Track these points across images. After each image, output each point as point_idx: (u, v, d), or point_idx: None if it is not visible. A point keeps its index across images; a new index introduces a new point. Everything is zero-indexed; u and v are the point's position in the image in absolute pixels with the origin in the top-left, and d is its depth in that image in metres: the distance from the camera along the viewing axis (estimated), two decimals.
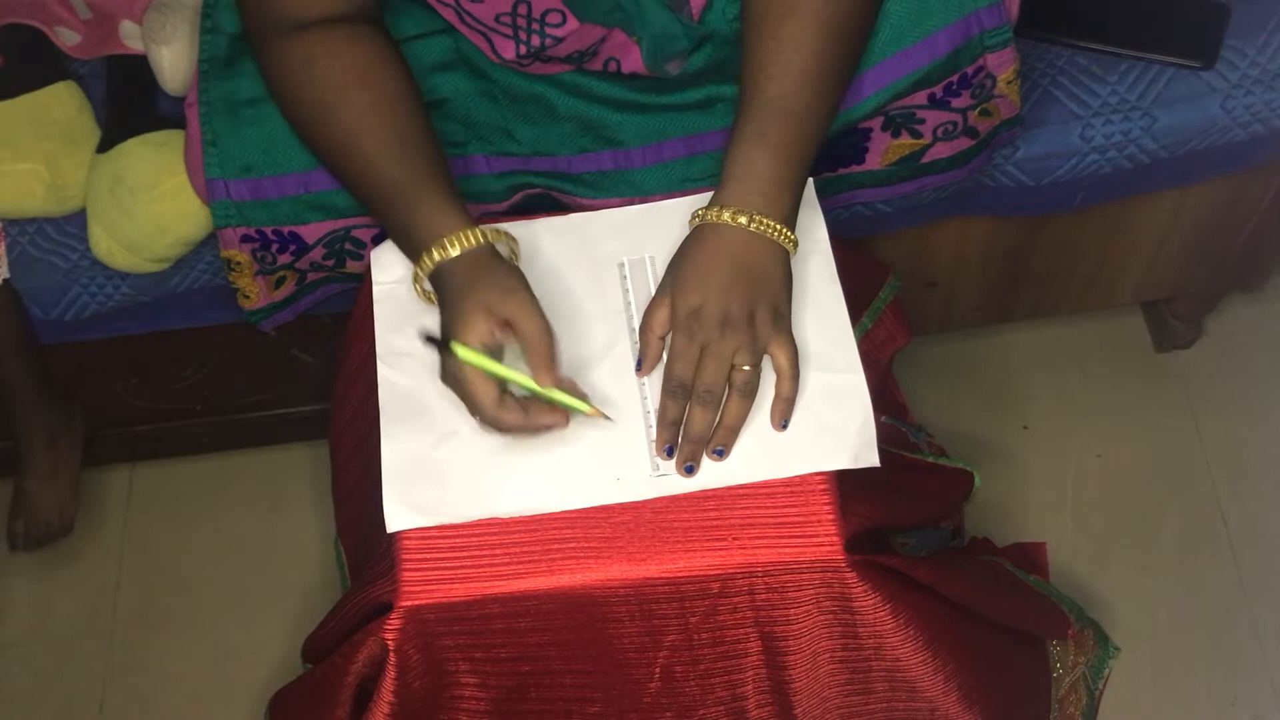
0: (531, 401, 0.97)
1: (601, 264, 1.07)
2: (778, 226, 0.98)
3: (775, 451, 0.99)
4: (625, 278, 1.06)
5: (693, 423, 0.98)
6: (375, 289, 1.08)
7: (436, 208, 0.99)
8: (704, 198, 1.07)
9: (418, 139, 1.02)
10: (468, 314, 0.95)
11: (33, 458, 1.42)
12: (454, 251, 0.97)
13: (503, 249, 1.01)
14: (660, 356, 1.01)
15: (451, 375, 0.96)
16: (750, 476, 0.98)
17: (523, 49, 1.04)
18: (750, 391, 0.98)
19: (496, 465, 0.99)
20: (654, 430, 1.00)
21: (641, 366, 1.02)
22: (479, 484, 0.99)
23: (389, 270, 1.09)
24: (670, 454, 0.98)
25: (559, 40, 1.03)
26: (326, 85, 1.01)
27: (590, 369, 1.02)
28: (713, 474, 0.98)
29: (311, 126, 1.03)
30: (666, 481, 0.98)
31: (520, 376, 0.96)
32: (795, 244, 1.00)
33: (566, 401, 0.97)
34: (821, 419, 0.99)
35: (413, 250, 1.00)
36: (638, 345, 1.03)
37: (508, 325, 0.96)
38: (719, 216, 0.98)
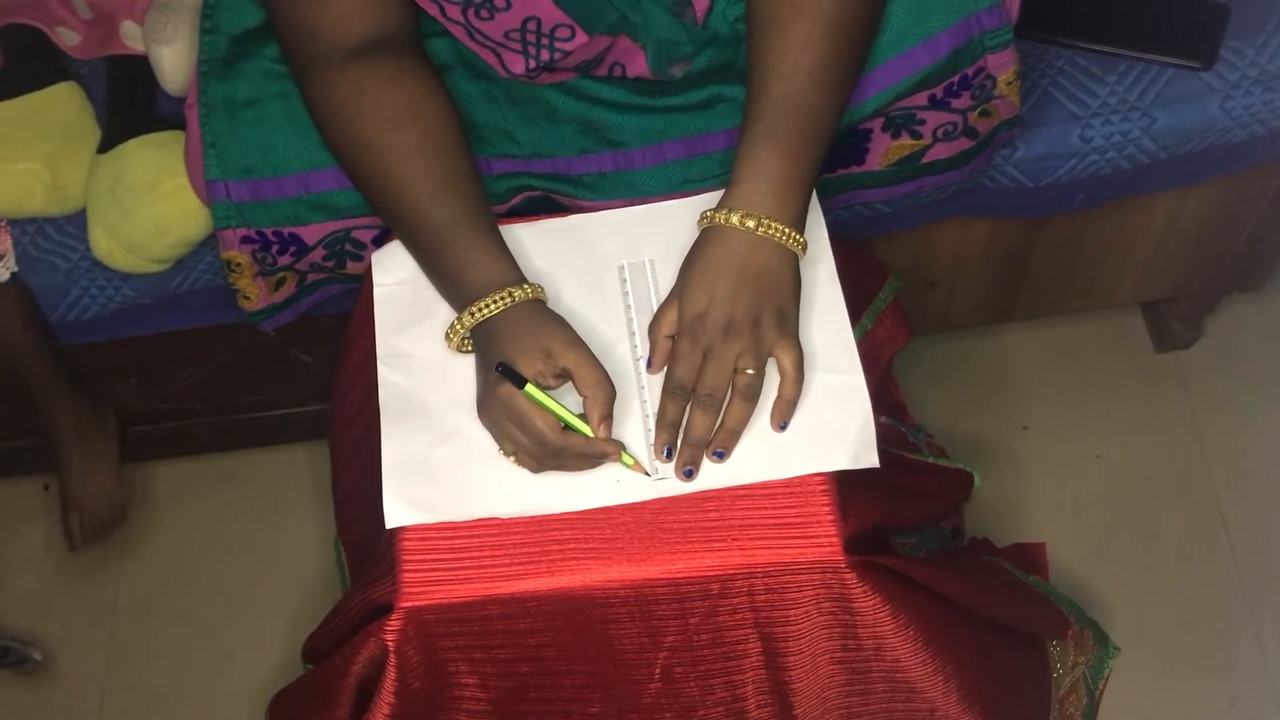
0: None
1: (601, 265, 1.07)
2: (786, 230, 0.98)
3: (774, 452, 0.99)
4: (625, 280, 1.06)
5: (693, 426, 0.98)
6: (376, 290, 1.08)
7: (485, 257, 1.01)
8: (705, 198, 1.07)
9: (465, 182, 1.03)
10: (525, 356, 0.97)
11: (67, 453, 1.41)
12: (506, 304, 0.99)
13: (545, 298, 1.02)
14: (668, 356, 1.01)
15: (505, 408, 0.97)
16: (749, 477, 0.98)
17: (532, 64, 1.05)
18: (753, 395, 0.99)
19: (496, 466, 0.99)
20: (653, 434, 1.00)
21: (651, 365, 1.02)
22: (479, 484, 0.99)
23: (390, 272, 1.09)
24: (669, 455, 0.99)
25: (568, 54, 1.04)
26: (376, 121, 1.02)
27: None
28: (712, 475, 0.98)
29: (357, 161, 1.03)
30: (666, 484, 0.98)
31: (579, 422, 0.97)
32: (804, 246, 1.00)
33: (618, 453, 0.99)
34: (821, 419, 1.00)
35: (459, 298, 1.01)
36: (637, 347, 1.03)
37: (563, 374, 0.98)
38: (727, 219, 0.98)
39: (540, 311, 1.00)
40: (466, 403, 1.02)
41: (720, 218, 0.99)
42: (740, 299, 0.98)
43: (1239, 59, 1.21)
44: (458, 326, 1.01)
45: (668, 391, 0.99)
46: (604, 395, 0.97)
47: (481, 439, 1.00)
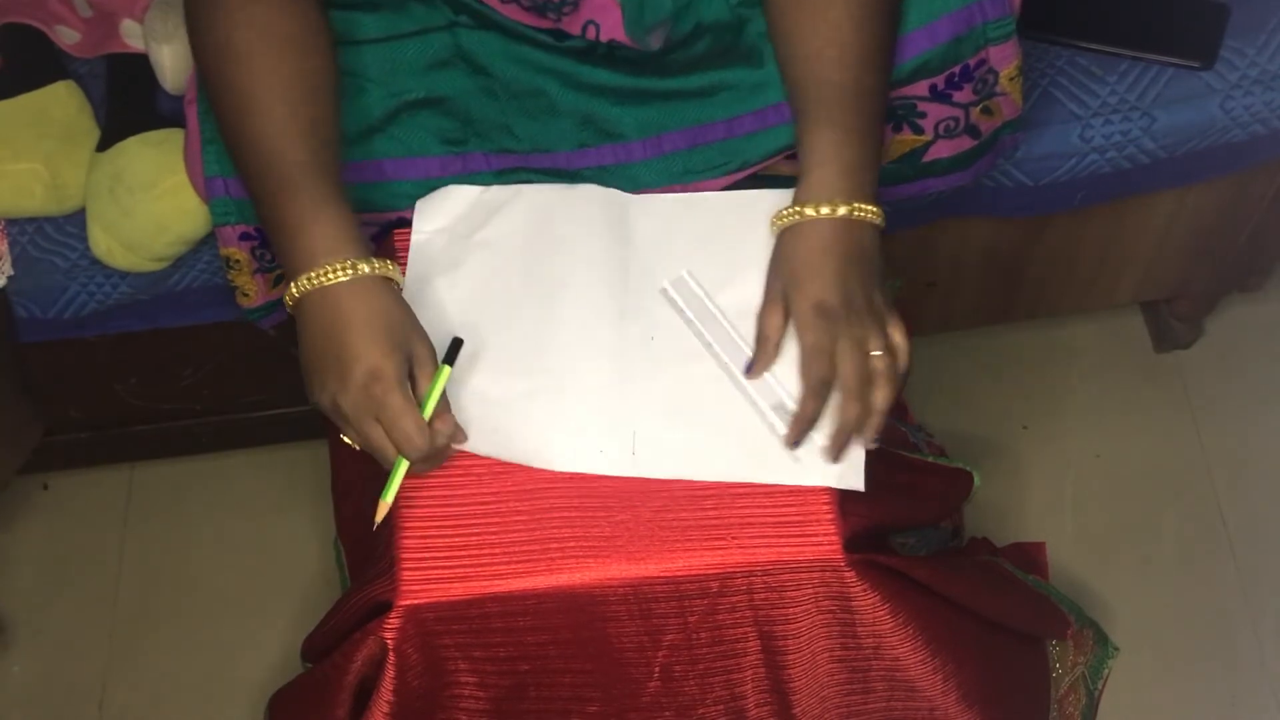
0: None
1: (626, 241, 1.07)
2: (869, 208, 0.98)
3: (760, 457, 0.98)
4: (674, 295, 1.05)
5: (846, 414, 0.97)
6: (414, 237, 1.08)
7: (341, 218, 0.97)
8: (750, 194, 1.07)
9: (331, 131, 1.00)
10: (411, 343, 0.95)
11: None
12: (365, 270, 0.95)
13: (396, 278, 0.99)
14: (774, 361, 1.00)
15: (376, 402, 0.93)
16: (730, 476, 0.98)
17: None
18: (894, 375, 0.98)
19: (486, 411, 1.00)
20: (632, 408, 1.00)
21: (751, 370, 1.01)
22: (466, 424, 0.99)
23: (430, 219, 1.08)
24: (796, 446, 0.98)
25: None
26: (254, 41, 0.98)
27: (580, 345, 1.03)
28: (693, 466, 0.98)
29: (225, 74, 0.99)
30: (646, 465, 0.98)
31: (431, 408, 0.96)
32: (884, 217, 1.00)
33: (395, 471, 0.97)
34: (813, 434, 0.99)
35: (302, 254, 0.96)
36: (629, 342, 1.03)
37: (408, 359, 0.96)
38: (818, 211, 0.98)
39: (391, 291, 0.97)
40: (474, 354, 1.02)
41: (810, 210, 0.98)
42: (851, 281, 0.97)
43: (1239, 59, 1.21)
44: (300, 284, 0.96)
45: (812, 390, 0.97)
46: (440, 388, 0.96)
47: (483, 387, 1.01)
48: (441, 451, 0.97)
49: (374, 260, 0.97)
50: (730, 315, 1.04)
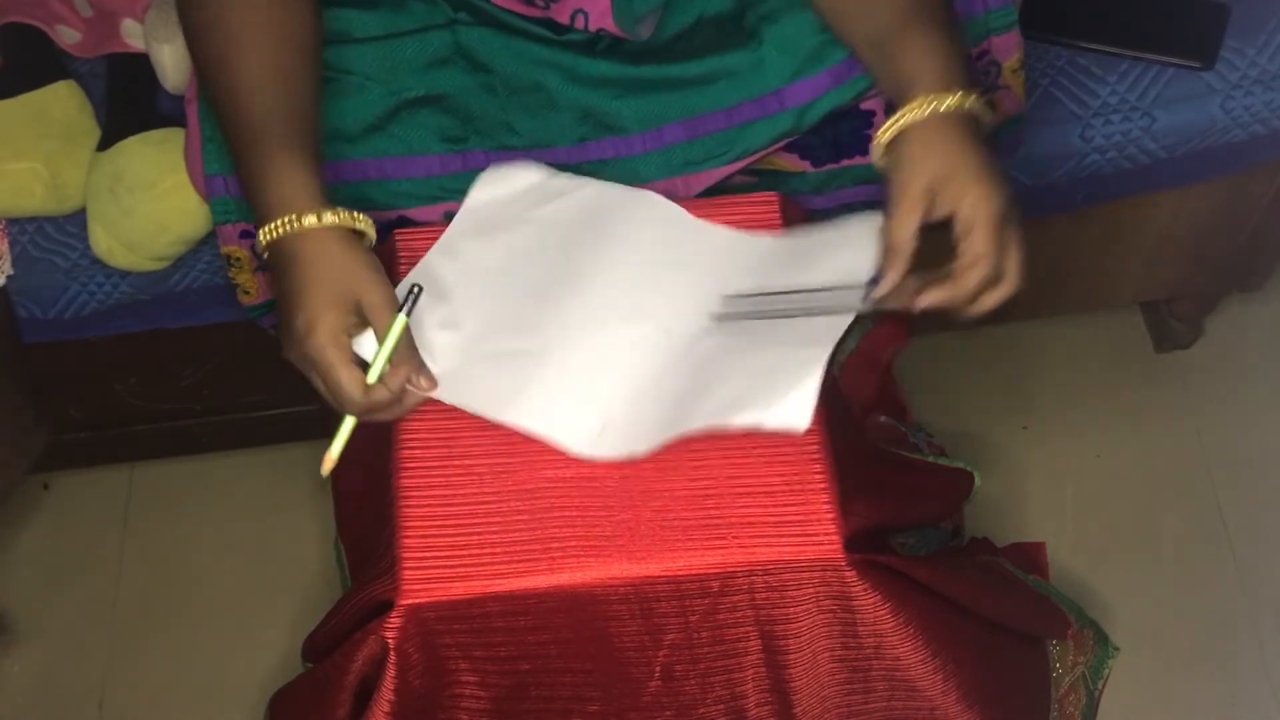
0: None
1: (662, 251, 1.06)
2: (978, 99, 0.95)
3: (703, 401, 0.97)
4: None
5: (987, 305, 0.94)
6: (470, 199, 1.08)
7: (297, 168, 0.96)
8: (805, 240, 1.05)
9: (304, 83, 1.00)
10: (360, 293, 0.94)
11: None
12: (331, 221, 0.94)
13: (367, 230, 0.98)
14: (904, 271, 0.95)
15: (311, 357, 0.93)
16: (677, 430, 0.96)
17: None
18: None
19: (486, 369, 1.00)
20: (612, 402, 0.99)
21: (883, 283, 0.95)
22: (465, 375, 1.00)
23: (491, 189, 1.09)
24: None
25: None
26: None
27: (582, 327, 1.03)
28: (645, 438, 0.97)
29: (205, 34, 0.98)
30: (608, 448, 0.98)
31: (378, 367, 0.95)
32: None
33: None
34: (769, 370, 0.97)
35: (262, 207, 0.95)
36: (627, 339, 1.03)
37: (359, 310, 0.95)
38: (953, 101, 0.93)
39: (357, 244, 0.96)
40: (480, 307, 1.02)
41: (947, 102, 0.94)
42: (995, 169, 0.93)
43: (1239, 59, 1.21)
44: (270, 231, 0.95)
45: (980, 275, 0.93)
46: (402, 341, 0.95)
47: (488, 345, 1.01)
48: (390, 403, 0.96)
49: (326, 211, 0.95)
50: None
